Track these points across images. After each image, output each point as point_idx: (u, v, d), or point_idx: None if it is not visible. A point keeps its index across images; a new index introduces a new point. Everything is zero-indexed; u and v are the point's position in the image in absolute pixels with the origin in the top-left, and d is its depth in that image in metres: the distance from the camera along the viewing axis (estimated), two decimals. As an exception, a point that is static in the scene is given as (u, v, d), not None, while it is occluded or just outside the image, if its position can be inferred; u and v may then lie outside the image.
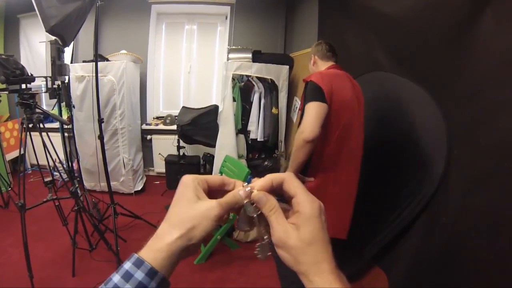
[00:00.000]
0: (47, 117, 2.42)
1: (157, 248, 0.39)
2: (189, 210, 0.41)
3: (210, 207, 0.41)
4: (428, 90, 1.59)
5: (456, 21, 1.35)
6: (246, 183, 0.46)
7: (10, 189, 3.37)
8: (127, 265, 0.37)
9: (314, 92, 1.68)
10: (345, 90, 1.77)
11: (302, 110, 1.77)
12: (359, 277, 2.23)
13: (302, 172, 1.82)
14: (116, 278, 0.36)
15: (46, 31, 2.08)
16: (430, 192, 1.54)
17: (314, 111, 1.63)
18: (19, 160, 3.16)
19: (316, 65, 2.03)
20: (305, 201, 0.41)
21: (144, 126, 4.45)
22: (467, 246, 1.22)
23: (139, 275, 0.36)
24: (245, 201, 0.43)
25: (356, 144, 1.84)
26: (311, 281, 0.39)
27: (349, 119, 1.77)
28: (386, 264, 1.94)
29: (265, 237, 0.43)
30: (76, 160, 3.38)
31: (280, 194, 0.45)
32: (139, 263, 0.37)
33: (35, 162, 2.79)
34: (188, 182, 0.43)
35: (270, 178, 0.44)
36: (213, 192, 0.45)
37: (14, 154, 3.92)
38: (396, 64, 1.95)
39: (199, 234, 0.40)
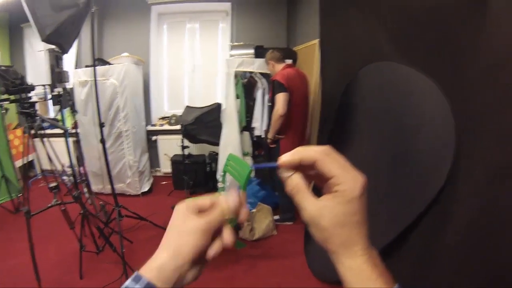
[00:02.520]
0: (50, 124, 2.46)
1: (149, 268, 0.40)
2: (176, 231, 0.43)
3: (194, 223, 0.42)
4: (434, 79, 1.51)
5: (463, 4, 1.26)
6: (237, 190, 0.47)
7: (20, 195, 3.45)
8: (127, 282, 0.38)
9: (279, 87, 2.73)
10: (296, 81, 2.84)
11: (271, 98, 2.95)
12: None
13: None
14: None
15: (42, 40, 2.10)
16: (439, 186, 1.47)
17: (282, 98, 2.72)
18: (27, 166, 3.23)
19: (274, 67, 3.06)
20: (346, 182, 0.38)
21: (149, 127, 4.49)
22: (479, 246, 1.16)
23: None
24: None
25: (305, 112, 3.09)
26: (341, 262, 0.40)
27: (299, 99, 2.89)
28: (391, 262, 1.88)
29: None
30: (83, 164, 3.43)
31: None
32: (137, 279, 0.38)
33: (45, 168, 2.84)
34: (178, 209, 0.45)
35: (299, 155, 0.40)
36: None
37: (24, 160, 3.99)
38: (400, 53, 1.85)
39: (187, 250, 0.41)
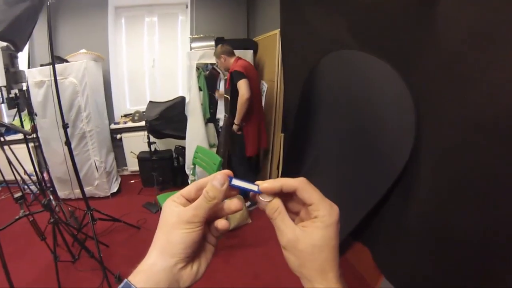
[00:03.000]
0: (10, 129, 2.29)
1: (140, 269, 0.38)
2: (163, 227, 0.41)
3: (179, 215, 0.40)
4: (394, 66, 1.58)
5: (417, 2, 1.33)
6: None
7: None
8: None
9: (239, 75, 2.92)
10: (251, 71, 3.11)
11: (229, 87, 3.18)
12: (341, 252, 2.27)
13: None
14: None
15: (-5, 38, 1.95)
16: (400, 166, 1.55)
17: (244, 84, 2.89)
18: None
19: (227, 61, 3.18)
20: (324, 208, 0.41)
21: (113, 126, 4.32)
22: (442, 219, 1.25)
23: None
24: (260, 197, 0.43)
25: (260, 99, 3.38)
26: None
27: (255, 87, 3.13)
28: (366, 239, 1.97)
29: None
30: (46, 170, 3.25)
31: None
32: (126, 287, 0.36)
33: (7, 178, 2.63)
34: (165, 204, 0.42)
35: (280, 183, 0.42)
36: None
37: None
38: (361, 42, 1.93)
39: (176, 246, 0.39)
